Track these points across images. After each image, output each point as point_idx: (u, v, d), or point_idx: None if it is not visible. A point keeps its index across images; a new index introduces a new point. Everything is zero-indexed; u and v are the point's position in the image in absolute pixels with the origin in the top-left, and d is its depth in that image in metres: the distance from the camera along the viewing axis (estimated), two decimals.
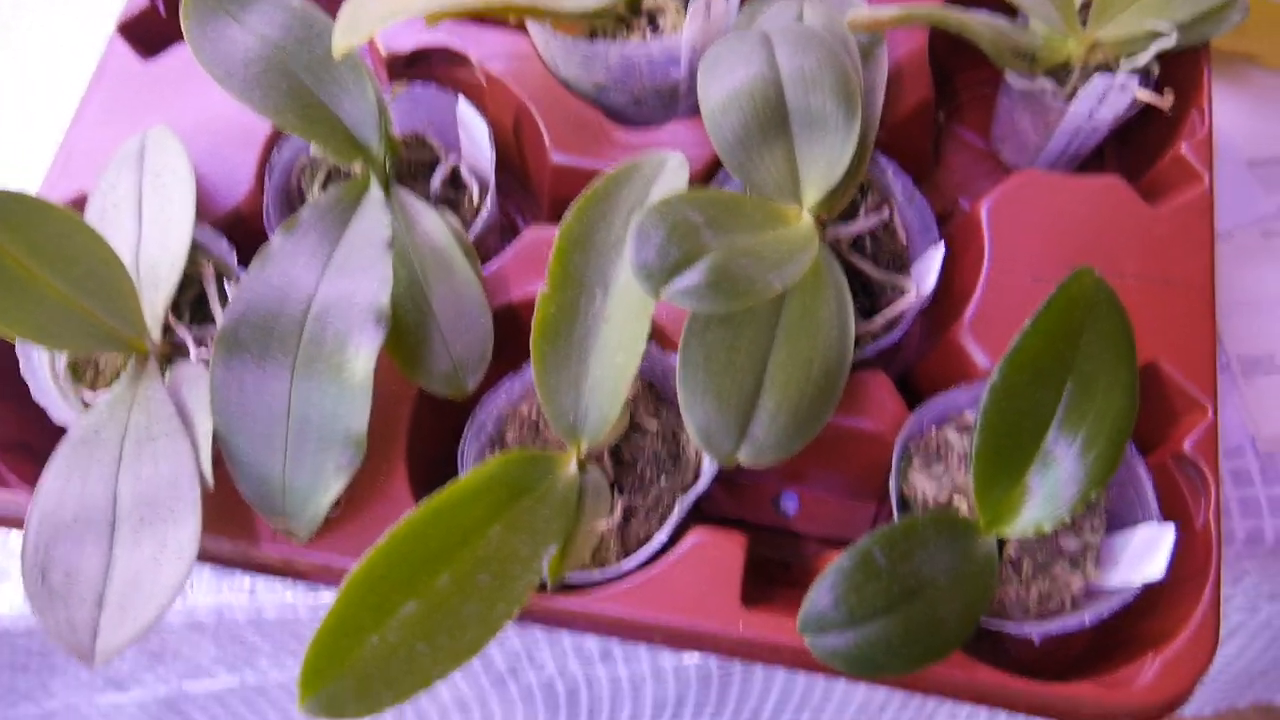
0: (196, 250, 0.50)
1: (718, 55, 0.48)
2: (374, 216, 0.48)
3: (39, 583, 0.41)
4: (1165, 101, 0.53)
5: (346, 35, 0.47)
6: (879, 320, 0.48)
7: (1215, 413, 0.47)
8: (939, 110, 0.64)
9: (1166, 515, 0.46)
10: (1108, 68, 0.55)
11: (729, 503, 0.54)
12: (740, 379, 0.43)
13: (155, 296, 0.48)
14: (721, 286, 0.39)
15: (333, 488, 0.44)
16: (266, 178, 0.53)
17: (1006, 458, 0.43)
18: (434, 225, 0.49)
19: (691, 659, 0.61)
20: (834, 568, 0.40)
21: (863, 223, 0.50)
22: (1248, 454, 0.56)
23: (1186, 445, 0.47)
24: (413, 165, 0.55)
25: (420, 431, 0.49)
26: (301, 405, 0.45)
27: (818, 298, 0.45)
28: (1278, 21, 0.61)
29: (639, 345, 0.44)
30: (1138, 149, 0.60)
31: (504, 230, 0.61)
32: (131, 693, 0.66)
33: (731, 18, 0.53)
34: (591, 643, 0.60)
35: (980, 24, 0.53)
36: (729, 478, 0.53)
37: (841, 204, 0.49)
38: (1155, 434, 0.49)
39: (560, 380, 0.45)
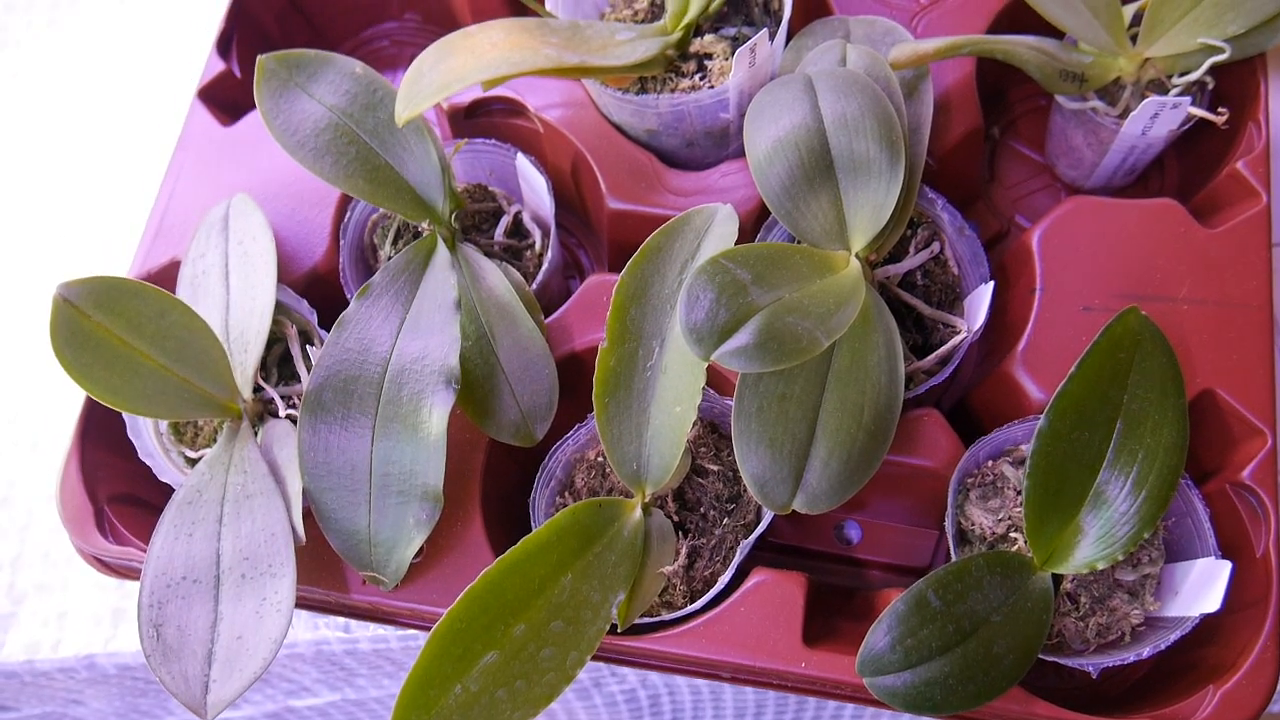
0: (280, 311, 0.54)
1: (762, 105, 0.49)
2: (441, 278, 0.50)
3: (155, 639, 0.45)
4: (1219, 118, 0.53)
5: (408, 105, 0.49)
6: (931, 359, 0.49)
7: (1275, 439, 0.47)
8: (993, 126, 0.64)
9: (1226, 543, 0.47)
10: (1160, 83, 0.55)
11: (792, 532, 0.56)
12: (793, 429, 0.45)
13: (245, 359, 0.52)
14: (769, 347, 0.41)
15: (415, 540, 0.47)
16: (341, 236, 0.56)
17: (1057, 498, 0.44)
18: (498, 281, 0.51)
19: None
20: (890, 611, 0.42)
21: (911, 260, 0.51)
22: None
23: (1245, 474, 0.47)
24: (477, 215, 0.57)
25: (493, 477, 0.52)
26: (382, 463, 0.48)
27: (866, 343, 0.46)
28: None
29: (696, 396, 0.46)
30: (1197, 159, 0.60)
31: (567, 267, 0.64)
32: (243, 710, 0.71)
33: (777, 60, 0.55)
34: None
35: (1026, 49, 0.53)
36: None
37: (890, 243, 0.50)
38: (1214, 460, 0.49)
39: (622, 430, 0.47)
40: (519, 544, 0.43)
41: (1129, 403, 0.43)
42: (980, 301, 0.49)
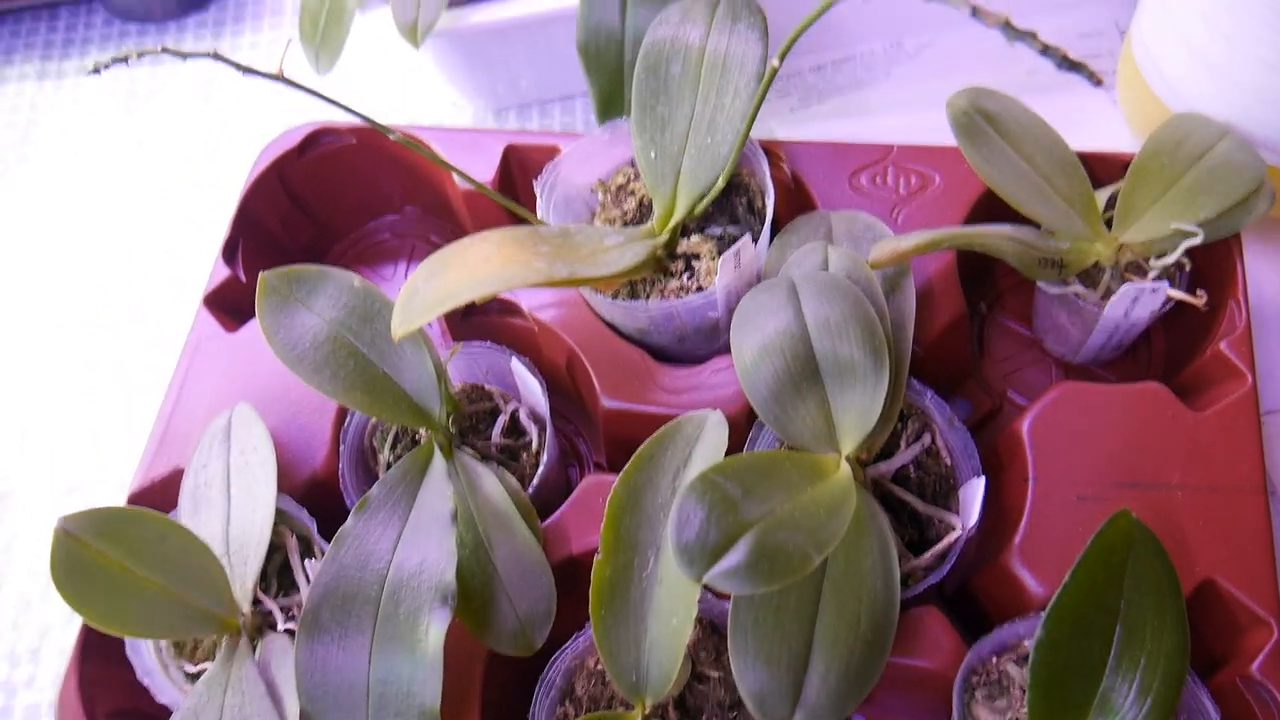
0: (280, 519, 0.54)
1: (747, 311, 0.50)
2: (438, 489, 0.51)
3: None
4: (1199, 300, 0.54)
5: (403, 322, 0.50)
6: (928, 556, 0.49)
7: None
8: (980, 301, 0.65)
9: None
10: (1139, 266, 0.56)
11: None
12: (789, 642, 0.44)
13: (244, 572, 0.52)
14: (760, 567, 0.41)
15: None
16: (341, 442, 0.57)
17: (1063, 707, 0.43)
18: (494, 489, 0.52)
19: None
20: None
21: (903, 456, 0.52)
22: None
23: (1254, 667, 0.46)
24: (474, 416, 0.58)
25: (493, 686, 0.51)
26: (379, 683, 0.47)
27: (860, 549, 0.46)
28: None
29: (692, 608, 0.46)
30: (1182, 334, 0.60)
31: (565, 455, 0.64)
32: None
33: (762, 258, 0.56)
34: None
35: (1004, 240, 0.54)
36: None
37: (880, 440, 0.51)
38: (1223, 649, 0.49)
39: (620, 641, 0.47)
40: None
41: (1127, 609, 0.43)
42: (973, 497, 0.49)
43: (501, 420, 0.57)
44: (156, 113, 0.86)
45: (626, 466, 0.48)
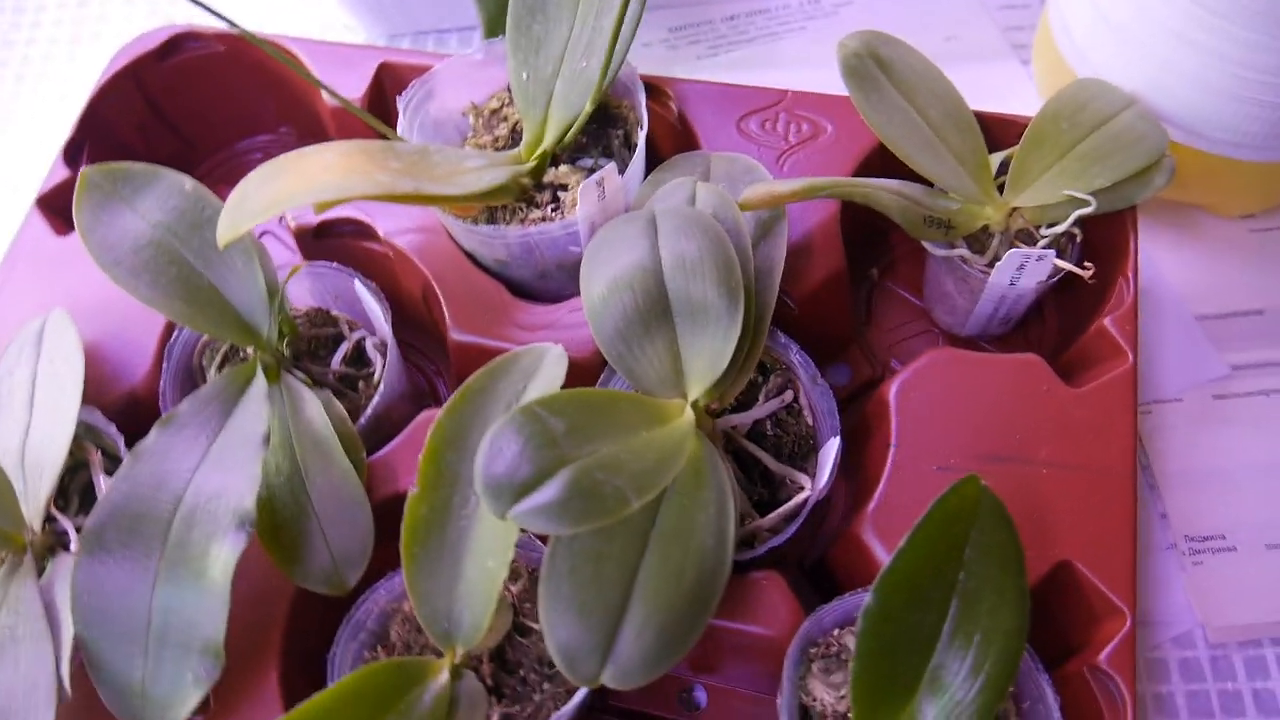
0: (88, 435, 0.50)
1: (602, 242, 0.47)
2: (254, 410, 0.47)
3: None
4: (1086, 272, 0.51)
5: (230, 227, 0.46)
6: (773, 516, 0.46)
7: (1134, 619, 0.44)
8: (872, 266, 0.62)
9: None
10: (1029, 233, 0.53)
11: (635, 695, 0.51)
12: (606, 592, 0.41)
13: (38, 488, 0.47)
14: (572, 506, 0.37)
15: (191, 699, 0.42)
16: (165, 359, 0.52)
17: (891, 682, 0.40)
18: (316, 414, 0.48)
19: None
20: None
21: (759, 409, 0.48)
22: (1198, 643, 0.53)
23: (1102, 657, 0.43)
24: (314, 341, 0.54)
25: (300, 628, 0.47)
26: (163, 612, 0.43)
27: (695, 501, 0.43)
28: (1224, 173, 0.59)
29: (508, 550, 0.42)
30: (1073, 310, 0.58)
31: (422, 395, 0.60)
32: None
33: (631, 193, 0.53)
34: None
35: (888, 194, 0.51)
36: None
37: (735, 391, 0.47)
38: (1076, 638, 0.46)
39: (432, 585, 0.43)
40: (295, 710, 0.39)
41: (965, 581, 0.40)
42: (828, 458, 0.46)
43: (344, 347, 0.53)
44: (16, 13, 0.81)
45: (452, 397, 0.44)
